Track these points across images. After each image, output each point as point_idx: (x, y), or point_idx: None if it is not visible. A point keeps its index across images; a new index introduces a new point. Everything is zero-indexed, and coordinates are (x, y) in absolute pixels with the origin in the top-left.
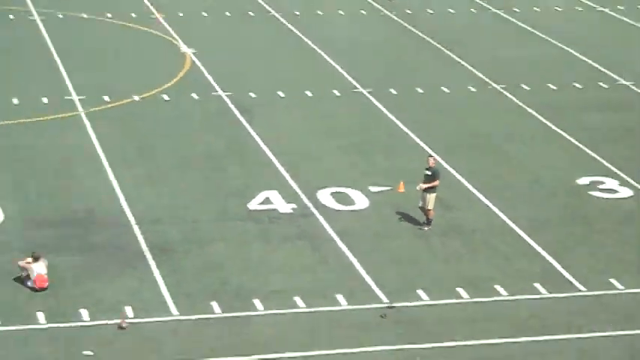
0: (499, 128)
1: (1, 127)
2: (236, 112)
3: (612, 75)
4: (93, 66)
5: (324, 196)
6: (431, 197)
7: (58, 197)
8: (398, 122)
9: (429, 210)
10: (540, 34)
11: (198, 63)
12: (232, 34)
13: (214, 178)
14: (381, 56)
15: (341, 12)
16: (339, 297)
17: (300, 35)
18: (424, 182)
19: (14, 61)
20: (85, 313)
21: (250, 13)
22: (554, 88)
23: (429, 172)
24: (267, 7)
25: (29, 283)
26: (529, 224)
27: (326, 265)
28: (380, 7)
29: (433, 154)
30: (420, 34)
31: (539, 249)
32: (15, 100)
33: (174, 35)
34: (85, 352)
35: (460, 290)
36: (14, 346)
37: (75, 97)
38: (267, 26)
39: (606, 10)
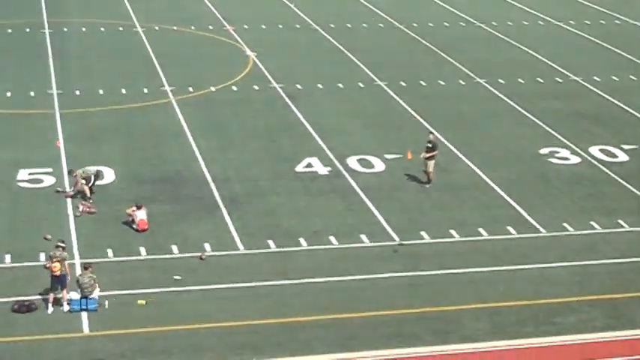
0: (481, 111)
1: (113, 110)
2: (286, 99)
3: (565, 72)
4: (180, 65)
5: (352, 161)
6: (431, 163)
7: (155, 162)
8: (406, 106)
9: (430, 172)
10: (512, 42)
11: (258, 63)
12: (284, 41)
13: (270, 148)
14: (394, 57)
15: (365, 25)
16: (363, 236)
17: (335, 42)
18: (426, 152)
19: (123, 62)
20: (174, 248)
21: (297, 25)
22: (522, 81)
23: (429, 145)
24: (309, 21)
25: (134, 226)
26: (503, 182)
27: (353, 213)
28: (393, 21)
29: (433, 130)
30: (423, 41)
31: (510, 201)
32: (123, 91)
33: (241, 42)
34: (175, 277)
35: (452, 231)
36: (123, 272)
37: (167, 88)
38: (309, 35)
39: (561, 24)
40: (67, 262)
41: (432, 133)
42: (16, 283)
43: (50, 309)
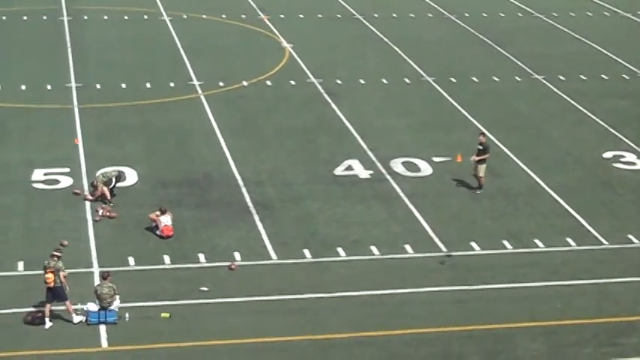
0: (539, 110)
1: (136, 106)
2: (325, 95)
3: (633, 68)
4: (211, 57)
5: (396, 164)
6: (482, 167)
7: (181, 163)
8: (457, 105)
9: (481, 177)
10: (574, 35)
11: (295, 56)
12: (323, 33)
13: (307, 149)
14: (443, 51)
15: (412, 15)
16: (407, 246)
17: (379, 34)
18: (477, 155)
19: (147, 53)
20: (202, 257)
21: (338, 15)
22: (585, 78)
23: (480, 147)
24: (351, 10)
25: (157, 232)
26: (562, 189)
27: (396, 221)
28: (443, 11)
29: (485, 131)
30: (476, 33)
31: (570, 209)
32: (147, 85)
33: (277, 33)
34: (202, 288)
35: (505, 242)
36: (145, 282)
37: (196, 83)
38: (351, 26)
39: (629, 15)
40: (62, 273)
41: (482, 134)
42: (29, 292)
43: (48, 324)
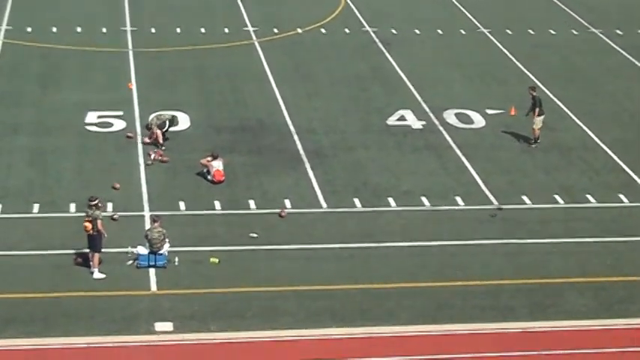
0: (595, 65)
1: (191, 51)
2: (380, 44)
3: None
4: (266, 4)
5: (449, 115)
6: (537, 120)
7: (234, 108)
8: (511, 57)
9: (536, 129)
10: None
11: (350, 3)
12: None
13: (360, 97)
14: (500, 2)
15: None
16: (457, 198)
17: None
18: (532, 109)
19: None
20: (252, 203)
21: None
22: None
23: (533, 100)
24: None
25: (209, 177)
26: (617, 144)
27: (447, 172)
28: None
29: (539, 83)
30: None
31: (623, 165)
32: (202, 30)
33: None
34: (251, 234)
35: (557, 197)
36: (195, 227)
37: (250, 29)
38: None
39: None
40: (99, 221)
41: (532, 87)
42: (80, 234)
43: (96, 274)
